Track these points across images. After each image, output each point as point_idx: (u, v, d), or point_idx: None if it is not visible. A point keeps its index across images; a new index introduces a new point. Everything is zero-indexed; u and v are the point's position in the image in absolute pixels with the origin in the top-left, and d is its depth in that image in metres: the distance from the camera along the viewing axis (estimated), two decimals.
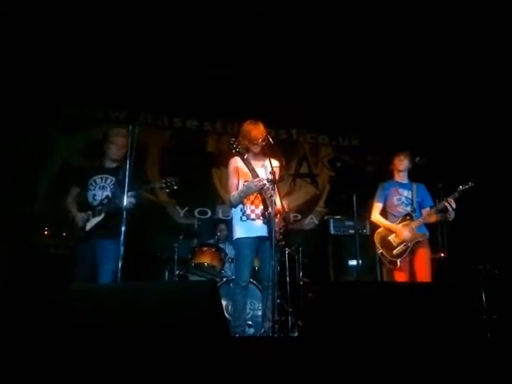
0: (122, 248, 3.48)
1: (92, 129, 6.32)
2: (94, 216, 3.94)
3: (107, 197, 4.00)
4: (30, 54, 5.44)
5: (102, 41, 5.43)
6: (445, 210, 4.30)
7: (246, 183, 3.73)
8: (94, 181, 4.07)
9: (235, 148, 3.58)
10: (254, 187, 3.61)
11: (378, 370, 2.18)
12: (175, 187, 3.90)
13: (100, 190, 4.05)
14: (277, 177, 3.74)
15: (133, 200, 3.81)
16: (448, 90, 6.09)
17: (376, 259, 5.89)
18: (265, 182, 3.60)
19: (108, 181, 4.08)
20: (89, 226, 3.92)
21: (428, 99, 6.30)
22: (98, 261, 3.90)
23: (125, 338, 2.17)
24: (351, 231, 5.84)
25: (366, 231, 5.95)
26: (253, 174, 3.64)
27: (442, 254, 4.17)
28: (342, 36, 5.43)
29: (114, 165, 4.16)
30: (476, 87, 5.91)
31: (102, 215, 3.92)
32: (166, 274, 5.19)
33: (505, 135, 5.88)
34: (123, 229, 3.53)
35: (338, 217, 6.10)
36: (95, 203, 3.99)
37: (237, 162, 3.80)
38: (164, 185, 3.88)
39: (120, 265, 3.43)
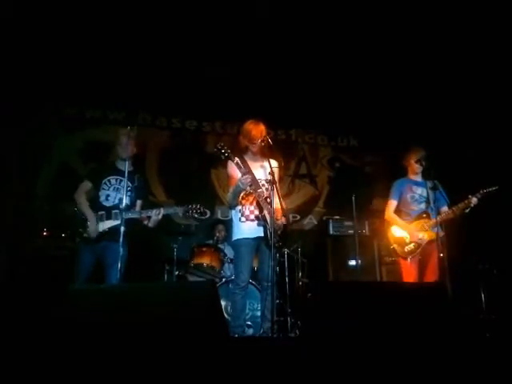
0: (121, 249, 3.49)
1: (91, 129, 6.33)
2: (108, 218, 3.92)
3: (121, 200, 3.92)
4: (29, 54, 5.44)
5: (101, 41, 5.43)
6: (464, 208, 4.30)
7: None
8: (109, 181, 4.06)
9: (223, 153, 3.57)
10: (242, 185, 3.59)
11: (378, 370, 2.19)
12: (198, 214, 4.06)
13: (114, 191, 4.04)
14: (276, 177, 3.74)
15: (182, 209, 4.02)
16: (447, 89, 6.09)
17: (375, 259, 5.93)
18: (249, 179, 3.57)
19: (122, 183, 4.03)
20: (102, 228, 3.90)
21: (427, 99, 6.31)
22: (106, 262, 3.90)
23: (124, 338, 2.17)
24: (350, 231, 5.84)
25: (366, 231, 5.96)
26: (241, 171, 3.62)
27: (442, 254, 4.17)
28: (340, 37, 5.44)
29: (127, 166, 4.08)
30: (475, 88, 5.91)
31: (119, 221, 3.86)
32: (165, 274, 5.19)
33: (505, 135, 5.88)
34: (122, 229, 3.55)
35: (337, 217, 6.11)
36: (107, 204, 3.98)
37: (232, 165, 3.77)
38: (192, 211, 4.05)
39: (119, 265, 3.45)
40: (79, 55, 5.59)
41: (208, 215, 4.10)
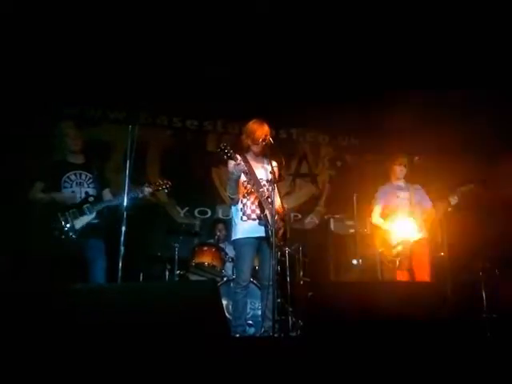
0: (122, 248, 3.48)
1: (91, 129, 6.31)
2: (81, 214, 3.91)
3: (88, 193, 4.00)
4: (30, 54, 5.44)
5: (102, 41, 5.42)
6: (445, 208, 4.41)
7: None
8: (69, 177, 4.04)
9: (226, 154, 3.56)
10: (236, 172, 3.59)
11: (379, 370, 2.19)
12: (167, 189, 4.14)
13: (78, 186, 4.03)
14: (276, 177, 3.73)
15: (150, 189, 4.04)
16: (448, 88, 6.08)
17: (376, 258, 5.92)
18: (243, 166, 3.56)
19: (83, 176, 4.07)
20: (79, 225, 3.88)
21: (428, 98, 6.29)
22: (88, 259, 3.89)
23: (125, 337, 2.17)
24: (351, 230, 5.83)
25: (367, 230, 5.94)
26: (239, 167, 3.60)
27: (442, 253, 4.19)
28: (341, 35, 5.43)
29: (80, 160, 4.14)
30: (476, 86, 5.89)
31: (93, 214, 3.92)
32: (167, 273, 5.19)
33: (505, 134, 5.87)
34: (123, 229, 3.54)
35: (339, 216, 6.10)
36: (75, 201, 3.96)
37: (232, 163, 3.73)
38: (159, 187, 4.11)
39: (120, 265, 3.44)
40: (80, 55, 5.57)
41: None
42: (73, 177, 4.05)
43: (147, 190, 4.08)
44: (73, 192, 4.00)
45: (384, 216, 4.72)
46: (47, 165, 4.31)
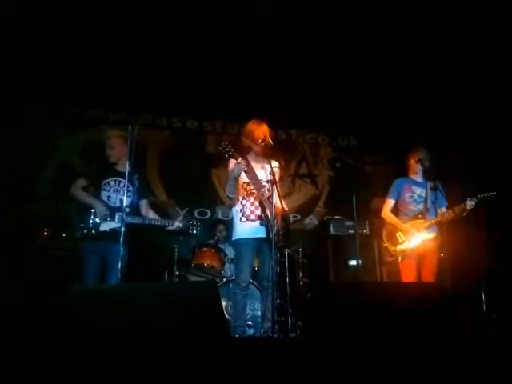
0: (121, 249, 3.49)
1: (91, 129, 6.32)
2: (111, 219, 3.94)
3: (122, 201, 3.95)
4: (30, 54, 5.44)
5: (102, 41, 5.43)
6: (460, 211, 4.33)
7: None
8: (108, 183, 4.08)
9: (228, 152, 3.56)
10: (236, 170, 3.59)
11: (379, 371, 2.18)
12: (197, 230, 4.13)
13: (115, 193, 4.06)
14: (277, 177, 3.74)
15: (180, 225, 4.01)
16: (448, 88, 6.08)
17: (376, 259, 5.92)
18: (244, 165, 3.57)
19: (122, 184, 4.07)
20: (105, 228, 3.90)
21: (428, 98, 6.30)
22: (107, 263, 3.92)
23: (125, 338, 2.17)
24: (351, 231, 5.83)
25: (366, 231, 5.95)
26: (241, 166, 3.61)
27: (442, 254, 4.17)
28: (341, 36, 5.44)
29: (122, 167, 4.09)
30: (477, 86, 5.90)
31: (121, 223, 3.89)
32: (166, 274, 5.19)
33: (506, 133, 5.86)
34: (123, 230, 3.54)
35: (338, 217, 6.10)
36: (110, 205, 3.99)
37: (233, 162, 3.74)
38: (190, 227, 4.10)
39: (120, 265, 3.45)
40: (80, 55, 5.58)
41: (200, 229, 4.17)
42: (112, 183, 4.09)
43: (177, 224, 4.06)
44: (109, 197, 4.03)
45: (397, 211, 4.62)
46: (93, 165, 4.38)
